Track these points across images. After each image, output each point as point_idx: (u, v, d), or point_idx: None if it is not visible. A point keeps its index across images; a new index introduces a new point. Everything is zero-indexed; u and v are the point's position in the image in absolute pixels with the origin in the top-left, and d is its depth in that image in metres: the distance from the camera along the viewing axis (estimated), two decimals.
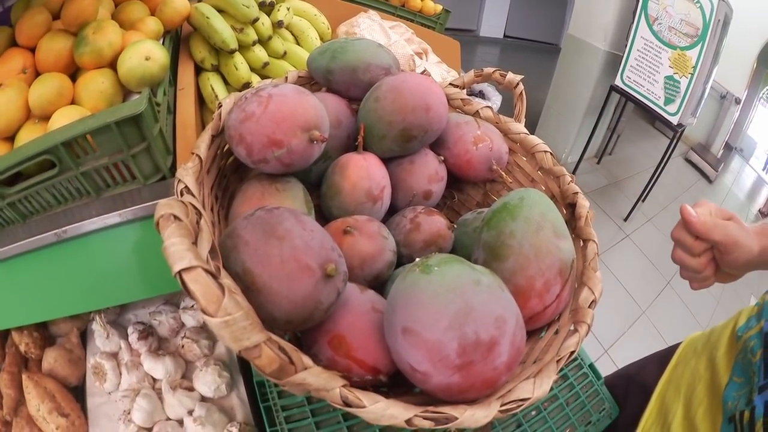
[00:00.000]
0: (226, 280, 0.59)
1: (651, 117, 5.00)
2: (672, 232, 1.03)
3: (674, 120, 4.36)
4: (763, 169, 8.36)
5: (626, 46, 4.59)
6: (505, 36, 10.05)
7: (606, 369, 1.43)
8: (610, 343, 3.61)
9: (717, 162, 7.65)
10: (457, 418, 0.58)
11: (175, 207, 0.58)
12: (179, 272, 0.50)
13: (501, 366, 0.64)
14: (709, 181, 7.36)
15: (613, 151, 6.40)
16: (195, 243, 0.60)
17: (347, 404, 0.57)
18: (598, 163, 6.19)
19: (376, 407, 0.56)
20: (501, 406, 0.62)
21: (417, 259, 0.72)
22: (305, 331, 0.75)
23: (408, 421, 0.57)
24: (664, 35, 4.29)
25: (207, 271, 0.50)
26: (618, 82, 4.75)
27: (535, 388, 0.65)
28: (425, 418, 0.57)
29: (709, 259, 1.01)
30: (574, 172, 5.57)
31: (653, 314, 4.08)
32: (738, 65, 7.24)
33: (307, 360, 0.56)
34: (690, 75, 4.16)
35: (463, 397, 0.64)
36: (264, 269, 0.64)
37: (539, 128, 5.96)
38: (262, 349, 0.51)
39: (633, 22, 4.48)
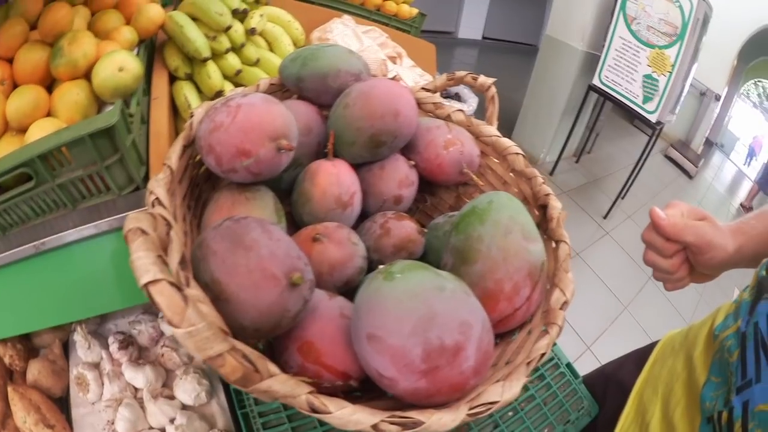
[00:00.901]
0: (194, 290, 0.60)
1: (630, 115, 5.03)
2: (642, 234, 1.04)
3: (653, 118, 4.39)
4: (744, 164, 8.42)
5: (604, 45, 4.62)
6: (483, 38, 10.04)
7: (589, 366, 1.44)
8: (592, 340, 3.63)
9: (697, 158, 7.71)
10: (423, 423, 0.59)
11: (143, 221, 0.59)
12: (145, 285, 0.51)
13: (468, 370, 0.64)
14: (690, 176, 7.41)
15: (592, 150, 6.45)
16: (166, 254, 0.61)
17: (314, 410, 0.57)
18: (577, 162, 6.23)
19: (342, 413, 0.57)
20: (469, 409, 0.62)
21: (380, 266, 0.72)
22: (276, 339, 0.76)
23: (374, 426, 0.57)
24: (642, 34, 4.31)
25: (171, 283, 0.51)
26: (596, 81, 4.78)
27: (504, 391, 0.65)
28: (392, 423, 0.58)
29: (682, 261, 1.01)
30: (552, 172, 5.61)
31: (635, 310, 4.10)
32: (718, 62, 7.31)
33: (273, 368, 0.57)
34: (669, 73, 4.18)
35: (431, 401, 0.65)
36: (231, 279, 0.65)
37: (517, 128, 5.99)
38: (225, 358, 0.52)
39: (611, 22, 4.51)
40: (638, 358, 1.32)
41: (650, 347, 1.32)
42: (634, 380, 1.25)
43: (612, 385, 1.34)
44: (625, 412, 1.21)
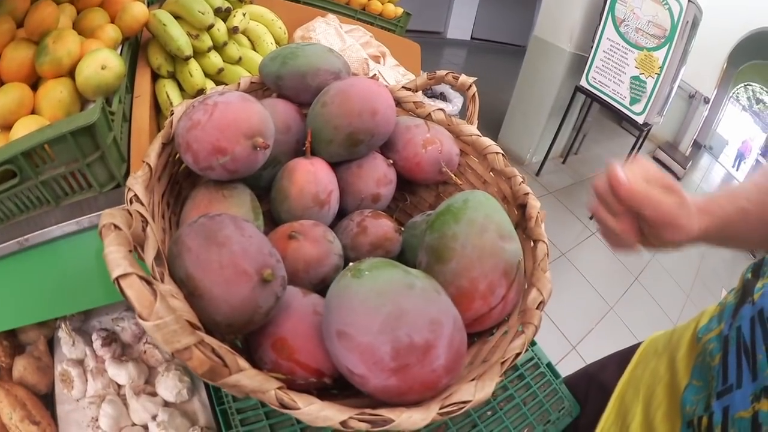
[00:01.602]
0: (166, 285, 0.61)
1: (617, 117, 5.03)
2: (594, 182, 0.89)
3: (640, 119, 4.41)
4: (733, 166, 8.45)
5: (592, 47, 4.62)
6: (472, 38, 10.06)
7: (574, 366, 1.44)
8: (578, 340, 3.63)
9: (685, 160, 7.73)
10: (393, 421, 0.59)
11: (117, 216, 0.60)
12: (116, 278, 0.52)
13: (439, 368, 0.64)
14: (678, 178, 7.42)
15: (579, 151, 6.46)
16: (142, 250, 0.62)
17: (283, 406, 0.57)
18: (564, 162, 6.24)
19: (311, 409, 0.57)
20: (440, 408, 0.62)
21: (350, 264, 0.73)
22: (251, 335, 0.77)
23: (343, 423, 0.57)
24: (630, 36, 4.32)
25: (141, 277, 0.52)
26: (583, 82, 4.79)
27: (477, 390, 0.65)
28: (361, 420, 0.58)
29: (632, 225, 0.86)
30: (539, 172, 5.63)
31: (621, 310, 4.11)
32: (708, 65, 7.33)
33: (242, 362, 0.58)
34: (657, 75, 4.19)
35: (403, 399, 0.65)
36: (205, 275, 0.66)
37: (504, 129, 6.00)
38: (193, 351, 0.52)
39: (599, 24, 4.52)
40: (621, 359, 1.31)
41: (633, 349, 1.31)
42: (615, 382, 1.24)
43: (594, 386, 1.33)
44: (606, 413, 1.19)
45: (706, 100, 7.82)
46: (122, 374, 1.32)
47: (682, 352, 1.09)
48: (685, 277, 4.97)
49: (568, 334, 3.64)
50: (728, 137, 8.73)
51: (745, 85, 8.26)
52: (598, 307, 4.10)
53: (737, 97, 8.42)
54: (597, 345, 3.61)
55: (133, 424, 1.27)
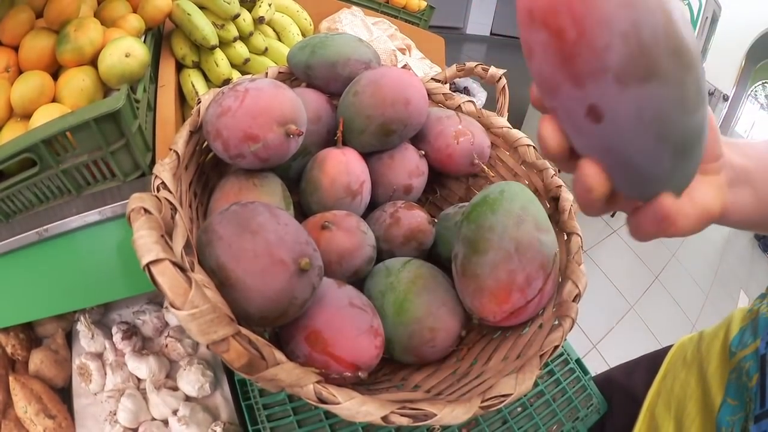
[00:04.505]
0: (198, 275, 0.59)
1: None
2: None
3: None
4: None
5: None
6: (491, 34, 10.05)
7: (595, 364, 1.42)
8: (599, 339, 3.60)
9: None
10: (435, 415, 0.58)
11: (147, 200, 0.58)
12: (147, 265, 0.49)
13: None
14: None
15: None
16: (170, 237, 0.60)
17: (322, 401, 0.56)
18: None
19: (351, 404, 0.56)
20: (481, 402, 0.61)
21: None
22: (282, 328, 0.75)
23: (384, 418, 0.56)
24: None
25: (174, 263, 0.50)
26: None
27: (518, 383, 0.65)
28: (402, 415, 0.57)
29: None
30: (559, 170, 5.62)
31: (641, 309, 4.08)
32: (727, 62, 7.28)
33: (279, 355, 0.56)
34: None
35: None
36: (238, 264, 0.64)
37: (525, 125, 5.97)
38: (230, 343, 0.50)
39: None
40: (647, 365, 1.28)
41: (658, 354, 1.28)
42: (643, 389, 1.21)
43: (618, 392, 1.30)
44: (636, 427, 1.16)
45: (726, 98, 7.78)
46: (143, 368, 1.31)
47: (713, 365, 1.05)
48: (704, 277, 4.94)
49: (590, 333, 3.62)
50: (746, 135, 8.71)
51: (762, 83, 8.23)
52: (620, 306, 4.07)
53: (755, 95, 8.38)
54: (618, 344, 3.57)
55: (153, 419, 1.26)
